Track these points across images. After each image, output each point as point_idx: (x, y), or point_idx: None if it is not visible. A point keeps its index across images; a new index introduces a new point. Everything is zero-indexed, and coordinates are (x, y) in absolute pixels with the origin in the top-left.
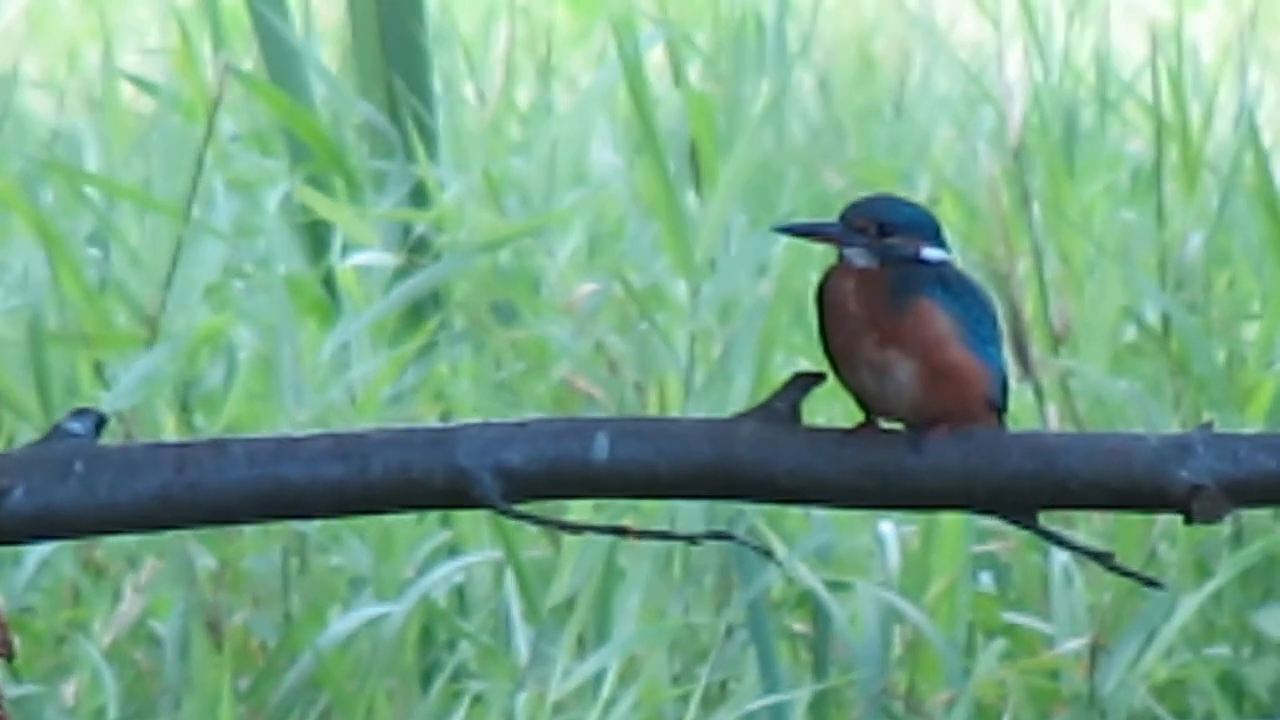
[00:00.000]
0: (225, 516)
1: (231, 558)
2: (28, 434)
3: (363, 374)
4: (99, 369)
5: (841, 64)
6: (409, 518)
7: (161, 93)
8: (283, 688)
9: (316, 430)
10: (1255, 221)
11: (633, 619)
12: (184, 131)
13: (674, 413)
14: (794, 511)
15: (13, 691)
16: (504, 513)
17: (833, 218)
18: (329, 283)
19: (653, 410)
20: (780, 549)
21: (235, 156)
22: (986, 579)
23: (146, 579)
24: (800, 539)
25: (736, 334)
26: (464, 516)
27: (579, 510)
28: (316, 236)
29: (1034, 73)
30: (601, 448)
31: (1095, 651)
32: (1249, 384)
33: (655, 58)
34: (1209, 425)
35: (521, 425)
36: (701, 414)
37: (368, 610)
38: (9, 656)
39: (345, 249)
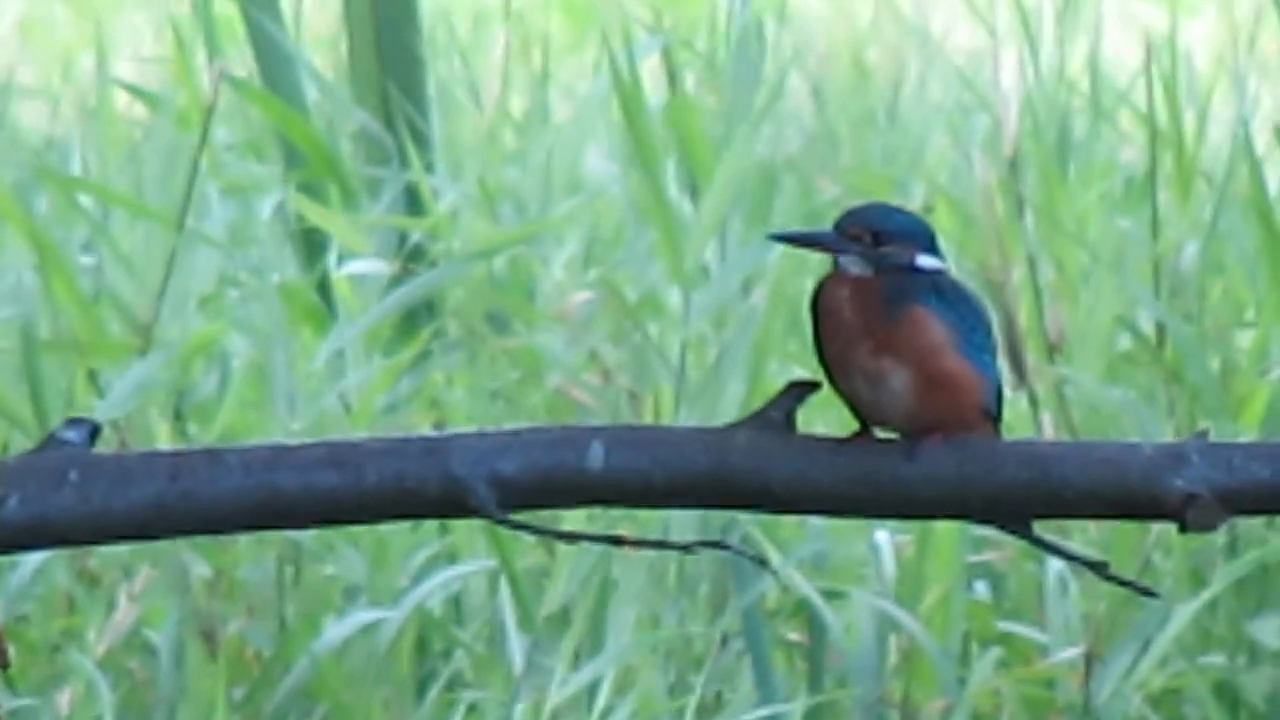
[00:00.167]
0: (220, 525)
1: (226, 566)
2: (21, 443)
3: (357, 383)
4: (93, 377)
5: (836, 72)
6: (403, 526)
7: (155, 100)
8: (277, 696)
9: (311, 439)
10: (1249, 230)
11: (627, 629)
12: (178, 139)
13: (666, 421)
14: (789, 520)
15: (8, 703)
16: (499, 522)
17: (827, 226)
18: (325, 291)
19: (647, 419)
20: (775, 558)
21: (230, 164)
22: (982, 588)
23: (141, 588)
24: (795, 548)
25: (729, 342)
26: (459, 525)
27: (573, 520)
28: (312, 244)
29: (1028, 80)
30: (596, 456)
31: (1090, 660)
32: (1243, 393)
33: (653, 63)
34: (1204, 434)
35: (516, 434)
36: (694, 422)
37: (363, 615)
38: (5, 665)
39: (341, 257)
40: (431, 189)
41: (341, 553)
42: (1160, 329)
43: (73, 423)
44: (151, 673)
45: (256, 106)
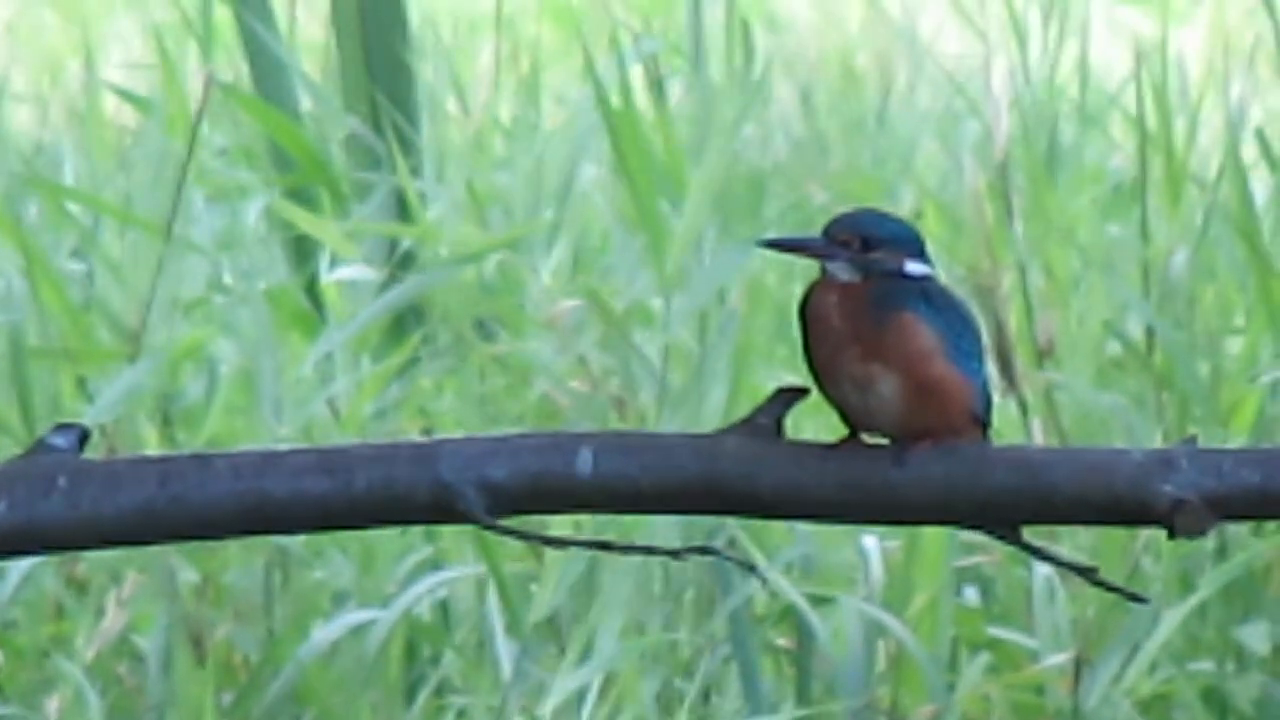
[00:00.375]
0: (208, 531)
1: (214, 572)
2: (8, 448)
3: (346, 389)
4: (81, 383)
5: (825, 78)
6: (391, 532)
7: (145, 105)
8: (266, 701)
9: (300, 445)
10: (1238, 236)
11: (614, 635)
12: (167, 144)
13: (650, 427)
14: (776, 525)
15: None
16: (488, 528)
17: (816, 232)
18: (316, 297)
19: (634, 425)
20: (763, 563)
21: (219, 170)
22: (971, 593)
23: (129, 593)
24: (782, 553)
25: (709, 347)
26: (447, 531)
27: (559, 526)
28: (302, 251)
29: (1018, 86)
30: (585, 462)
31: (1079, 666)
32: (1233, 398)
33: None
34: (1192, 440)
35: (505, 440)
36: (677, 428)
37: (351, 616)
38: None
39: (333, 264)
40: (420, 195)
41: (329, 558)
42: (1150, 335)
43: (61, 428)
44: (140, 678)
45: (245, 111)
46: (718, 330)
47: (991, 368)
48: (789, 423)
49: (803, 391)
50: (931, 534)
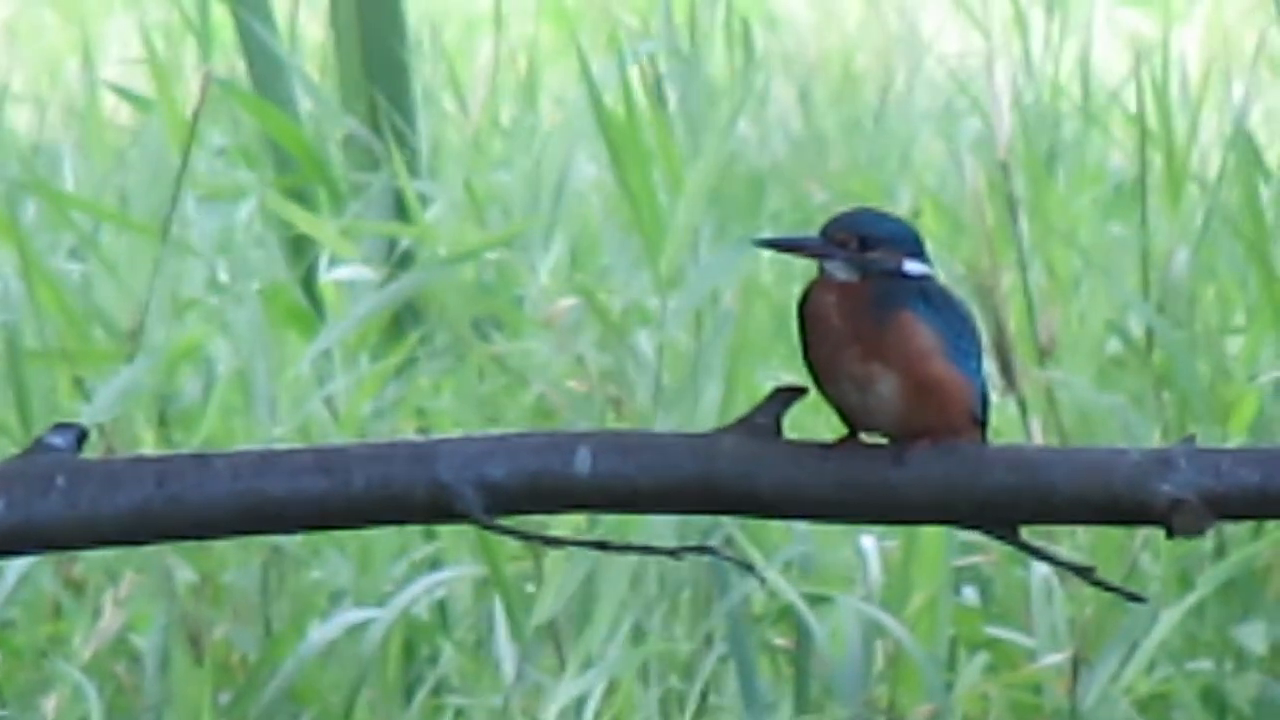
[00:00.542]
0: (207, 530)
1: (212, 571)
2: (6, 448)
3: (342, 388)
4: (78, 383)
5: (824, 77)
6: (389, 531)
7: (144, 103)
8: (263, 701)
9: (297, 445)
10: (1240, 235)
11: (613, 640)
12: (166, 144)
13: (646, 427)
14: (774, 525)
15: None
16: (486, 527)
17: (814, 231)
18: (315, 299)
19: (631, 425)
20: (761, 563)
21: (219, 170)
22: (970, 592)
23: (126, 593)
24: (780, 552)
25: (704, 346)
26: (445, 530)
27: (555, 526)
28: (299, 250)
29: (1019, 84)
30: (583, 462)
31: (1077, 665)
32: (1232, 398)
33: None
34: (1191, 439)
35: (503, 439)
36: (672, 427)
37: (349, 615)
38: None
39: (332, 264)
40: (418, 195)
41: (327, 557)
42: (1149, 334)
43: (60, 428)
44: (137, 678)
45: (244, 108)
46: (713, 330)
47: (991, 367)
48: (791, 423)
49: (801, 391)
50: (930, 533)
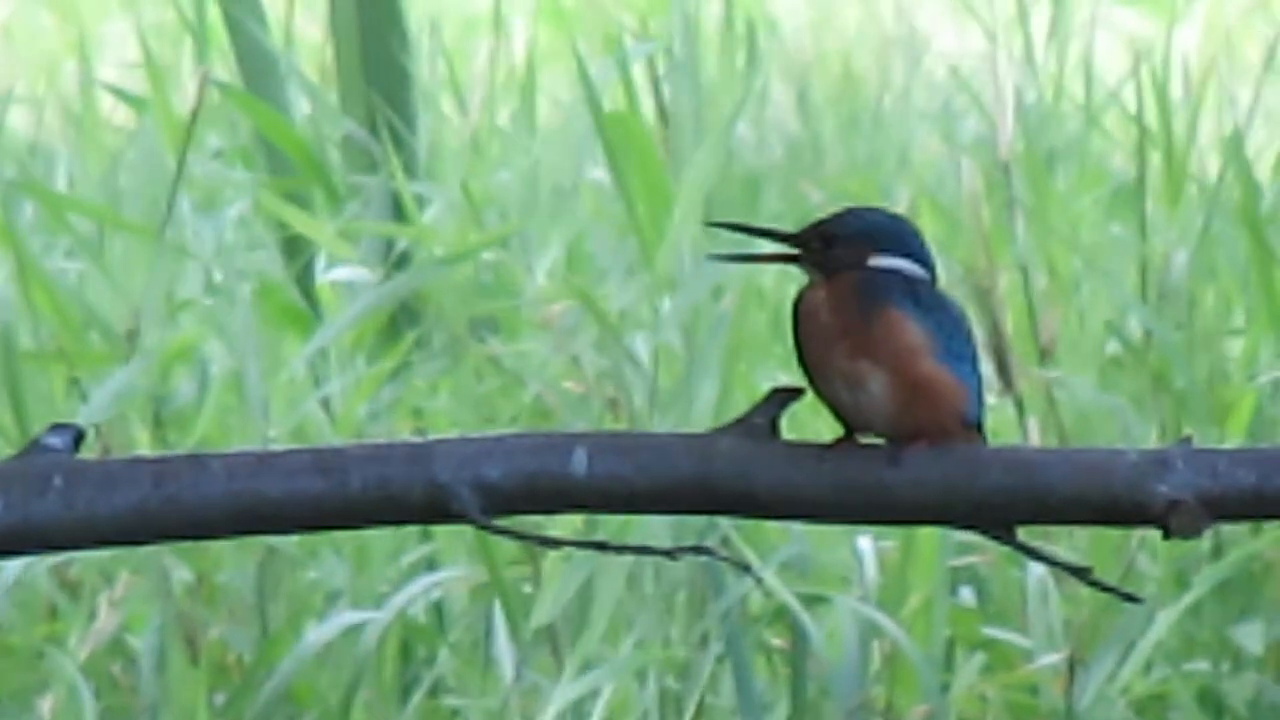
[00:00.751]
0: (204, 531)
1: (207, 571)
2: (1, 449)
3: (338, 389)
4: (75, 384)
5: (822, 79)
6: (385, 531)
7: (141, 104)
8: (259, 702)
9: (292, 446)
10: (1240, 236)
11: (610, 637)
12: (162, 146)
13: (641, 428)
14: (770, 525)
15: None
16: (483, 528)
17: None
18: (313, 301)
19: (628, 426)
20: (757, 563)
21: (215, 172)
22: (966, 593)
23: (122, 594)
24: (776, 553)
25: (699, 348)
26: (441, 531)
27: (552, 526)
28: (295, 252)
29: (1020, 84)
30: (580, 462)
31: (1073, 666)
32: (1229, 398)
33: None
34: (1188, 440)
35: (500, 440)
36: (667, 428)
37: (345, 617)
38: None
39: (328, 266)
40: (415, 197)
41: (323, 558)
42: (1147, 334)
43: (57, 428)
44: (133, 678)
45: (241, 110)
46: (707, 331)
47: (987, 367)
48: (786, 423)
49: (798, 392)
50: (926, 534)
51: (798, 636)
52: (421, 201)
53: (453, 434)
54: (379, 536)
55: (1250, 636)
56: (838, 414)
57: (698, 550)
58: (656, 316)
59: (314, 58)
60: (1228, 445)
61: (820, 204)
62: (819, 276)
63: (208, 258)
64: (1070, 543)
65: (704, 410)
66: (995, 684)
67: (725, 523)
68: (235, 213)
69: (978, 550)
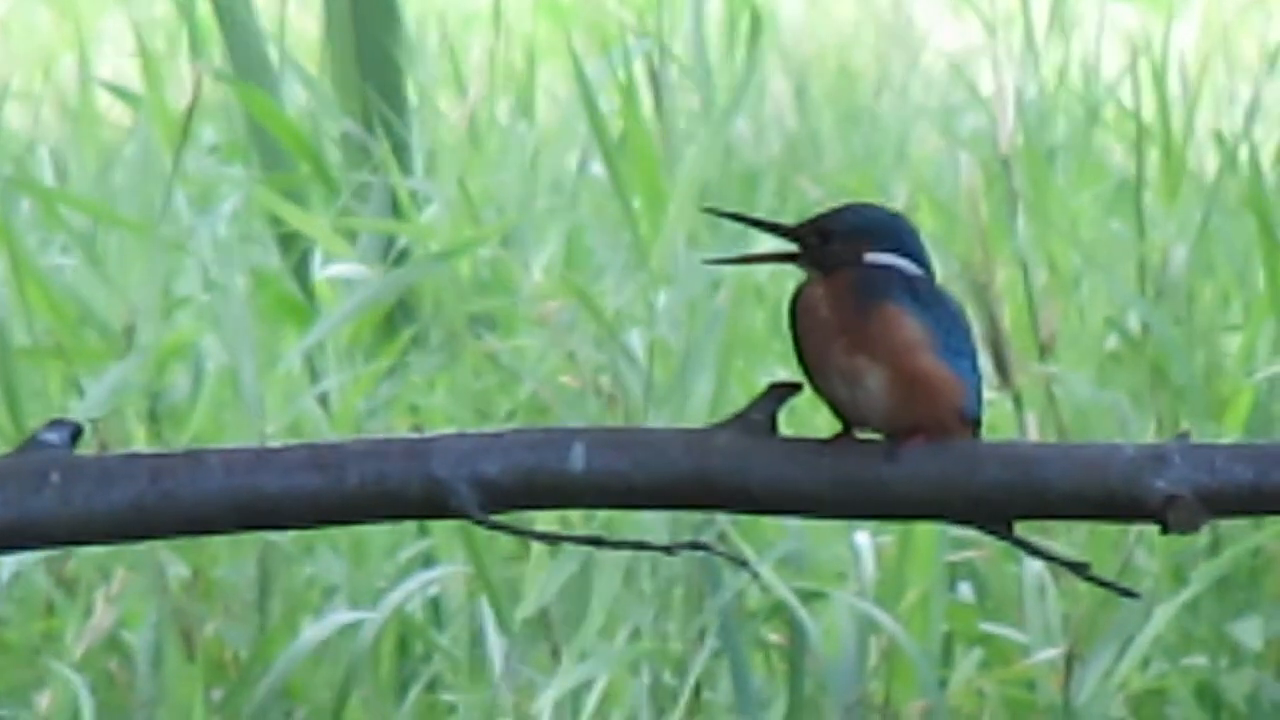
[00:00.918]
0: (201, 527)
1: (204, 567)
2: None
3: (335, 386)
4: (71, 381)
5: (820, 74)
6: (382, 528)
7: (137, 100)
8: (256, 698)
9: (292, 441)
10: (1239, 230)
11: (604, 637)
12: (157, 141)
13: (637, 423)
14: (768, 521)
15: None
16: (481, 523)
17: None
18: (311, 297)
19: (625, 421)
20: (754, 559)
21: (211, 167)
22: (964, 588)
23: (118, 590)
24: (774, 548)
25: (694, 343)
26: (439, 527)
27: (547, 521)
28: (291, 248)
29: (1019, 80)
30: (578, 458)
31: (1071, 661)
32: (1227, 393)
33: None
34: (1185, 435)
35: (498, 436)
36: (663, 423)
37: (342, 615)
38: None
39: (325, 263)
40: (411, 193)
41: (320, 554)
42: (1145, 330)
43: (54, 424)
44: (130, 675)
45: (238, 99)
46: (704, 326)
47: (986, 363)
48: (786, 418)
49: (796, 387)
50: (924, 529)
51: (795, 632)
52: (419, 198)
53: (450, 430)
54: (376, 532)
55: (1248, 632)
56: (836, 410)
57: (695, 545)
58: (653, 312)
59: (307, 52)
60: (1225, 440)
61: (818, 200)
62: (816, 273)
63: (203, 254)
64: (1068, 538)
65: (700, 406)
66: (993, 679)
67: (722, 518)
68: (230, 208)
69: (975, 545)
